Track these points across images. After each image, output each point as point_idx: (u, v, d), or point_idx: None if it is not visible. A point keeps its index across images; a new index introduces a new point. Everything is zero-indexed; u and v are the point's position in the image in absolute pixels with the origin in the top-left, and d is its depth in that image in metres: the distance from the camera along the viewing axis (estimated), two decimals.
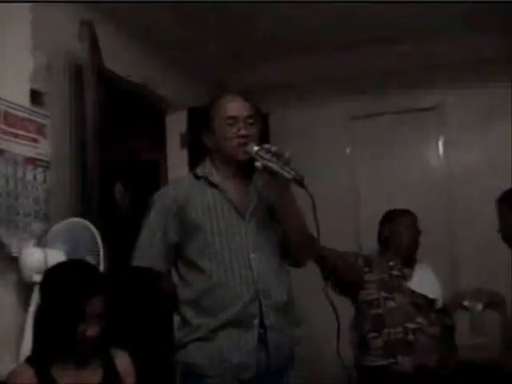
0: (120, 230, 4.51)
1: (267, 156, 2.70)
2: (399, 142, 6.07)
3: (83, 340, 2.57)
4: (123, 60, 4.54)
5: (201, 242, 2.82)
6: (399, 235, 4.33)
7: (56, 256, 3.22)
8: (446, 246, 5.80)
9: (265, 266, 2.82)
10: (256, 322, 2.76)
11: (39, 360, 2.60)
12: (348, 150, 6.17)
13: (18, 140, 3.37)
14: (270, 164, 2.69)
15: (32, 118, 3.48)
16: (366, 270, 4.22)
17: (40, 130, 3.53)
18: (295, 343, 2.93)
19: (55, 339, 2.58)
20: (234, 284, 2.77)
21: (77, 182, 3.87)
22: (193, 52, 5.36)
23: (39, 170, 3.50)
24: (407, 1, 4.85)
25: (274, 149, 2.72)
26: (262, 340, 2.76)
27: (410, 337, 4.05)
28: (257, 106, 2.96)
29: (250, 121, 2.88)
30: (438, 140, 6.04)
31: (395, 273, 4.24)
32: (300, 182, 2.68)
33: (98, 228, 3.36)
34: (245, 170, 2.88)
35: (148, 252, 2.90)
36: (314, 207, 2.67)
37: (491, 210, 4.13)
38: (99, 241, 3.28)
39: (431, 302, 4.24)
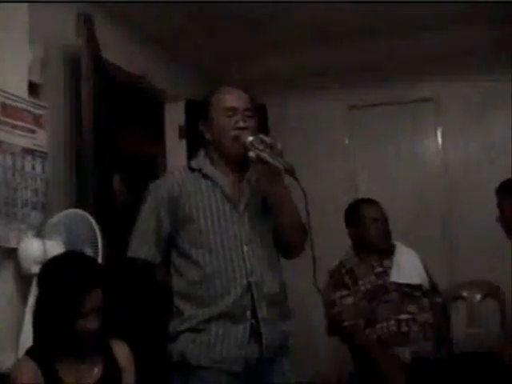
0: (118, 221, 4.52)
1: (260, 146, 2.71)
2: (398, 132, 6.09)
3: (83, 334, 2.57)
4: (121, 52, 4.54)
5: (194, 233, 2.82)
6: (370, 231, 4.32)
7: (55, 247, 3.22)
8: (444, 237, 5.82)
9: (258, 258, 2.82)
10: (248, 313, 2.76)
11: (41, 354, 2.60)
12: (346, 141, 6.17)
13: (16, 131, 3.36)
14: (263, 154, 2.69)
15: (30, 108, 3.48)
16: (352, 283, 4.24)
17: (37, 120, 3.52)
18: (285, 336, 2.91)
19: (55, 333, 2.59)
20: (226, 276, 2.77)
21: (74, 173, 3.88)
22: (191, 44, 5.36)
23: (37, 160, 3.50)
24: (408, 1, 4.88)
25: (266, 139, 2.73)
26: (255, 332, 2.76)
27: (404, 328, 4.06)
28: (253, 99, 2.97)
29: (248, 113, 2.89)
30: (436, 131, 6.04)
31: (378, 270, 4.25)
32: (291, 173, 2.69)
33: (95, 219, 3.36)
34: (240, 164, 2.88)
35: (142, 243, 2.91)
36: (305, 198, 2.68)
37: (489, 200, 4.14)
38: (97, 231, 3.28)
39: (418, 286, 4.24)
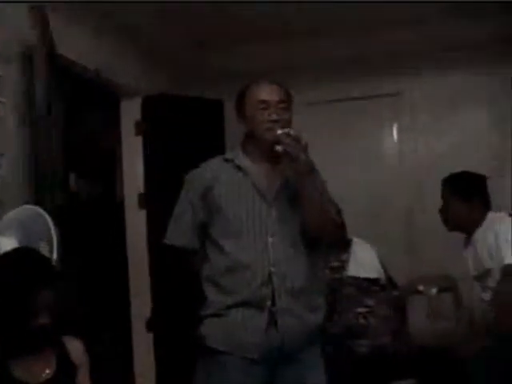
0: (75, 217, 4.47)
1: (287, 140, 2.79)
2: (357, 129, 6.09)
3: (34, 332, 2.54)
4: (78, 46, 4.49)
5: (223, 222, 2.94)
6: None
7: (8, 243, 3.16)
8: (402, 232, 5.86)
9: (283, 250, 2.90)
10: (268, 303, 2.84)
11: None
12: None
13: None
14: (288, 148, 2.79)
15: None
16: None
17: None
18: (312, 328, 2.96)
19: (5, 331, 2.56)
20: (249, 265, 2.86)
21: (30, 170, 3.83)
22: (148, 39, 5.33)
23: None
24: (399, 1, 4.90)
25: (293, 133, 2.82)
26: (275, 322, 2.84)
27: (362, 321, 4.10)
28: (289, 92, 3.05)
29: (282, 105, 2.98)
30: (396, 127, 6.08)
31: (335, 264, 4.27)
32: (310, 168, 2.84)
33: (52, 216, 3.32)
34: (274, 155, 2.93)
35: (178, 231, 3.05)
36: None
37: None
38: (52, 228, 3.24)
39: (376, 280, 4.28)
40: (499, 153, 5.53)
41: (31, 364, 2.60)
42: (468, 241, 4.01)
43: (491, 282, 3.77)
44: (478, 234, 3.89)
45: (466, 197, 3.93)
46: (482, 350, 3.94)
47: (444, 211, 4.05)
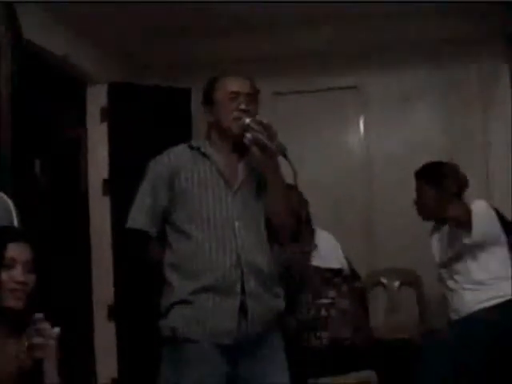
0: (38, 203, 4.43)
1: (257, 128, 2.86)
2: (321, 120, 6.08)
3: (10, 288, 2.53)
4: (44, 33, 4.46)
5: (188, 208, 2.94)
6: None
7: None
8: (365, 225, 5.88)
9: (249, 236, 2.93)
10: (238, 288, 2.85)
11: None
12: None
13: None
14: (259, 136, 2.85)
15: None
16: None
17: None
18: (276, 312, 2.99)
19: None
20: (217, 249, 2.87)
21: None
22: (115, 26, 5.28)
23: None
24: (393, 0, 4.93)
25: (264, 121, 2.89)
26: (243, 306, 2.84)
27: (323, 312, 4.11)
28: (256, 87, 3.10)
29: (251, 98, 3.03)
30: (358, 120, 6.09)
31: (298, 254, 4.28)
32: (283, 153, 2.90)
33: (15, 202, 3.29)
34: (240, 146, 2.98)
35: (139, 215, 3.02)
36: (295, 177, 2.95)
37: (410, 190, 4.19)
38: (14, 213, 3.22)
39: (339, 271, 4.29)
40: (448, 151, 5.49)
41: (7, 342, 2.56)
42: (437, 229, 4.05)
43: (461, 266, 3.84)
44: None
45: (439, 185, 3.96)
46: (431, 333, 4.00)
47: (418, 202, 4.08)
